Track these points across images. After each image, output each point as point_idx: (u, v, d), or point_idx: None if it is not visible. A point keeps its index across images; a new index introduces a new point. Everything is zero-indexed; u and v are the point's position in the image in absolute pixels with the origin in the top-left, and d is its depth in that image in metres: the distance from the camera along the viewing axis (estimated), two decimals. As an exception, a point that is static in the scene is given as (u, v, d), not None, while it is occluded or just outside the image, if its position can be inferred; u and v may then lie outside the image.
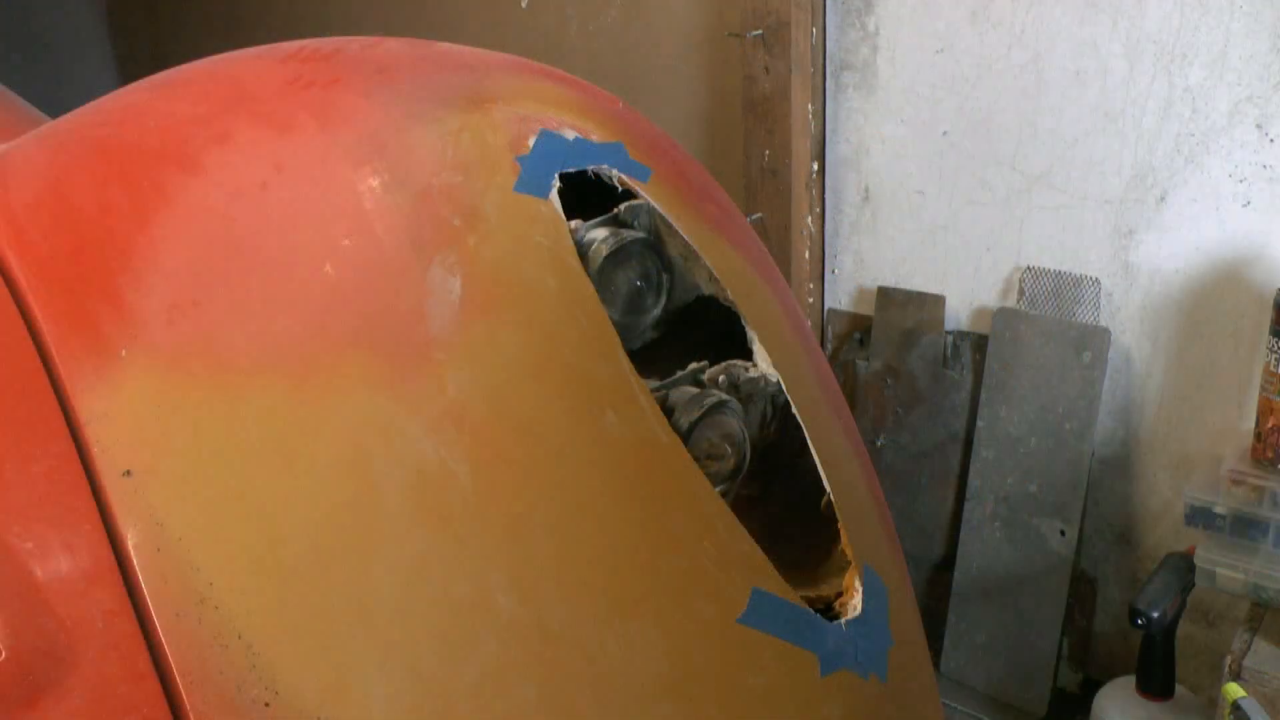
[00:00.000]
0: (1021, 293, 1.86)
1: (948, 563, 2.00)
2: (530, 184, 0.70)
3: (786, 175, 1.97)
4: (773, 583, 0.66)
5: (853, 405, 2.09)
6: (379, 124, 0.71)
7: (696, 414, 0.69)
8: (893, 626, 0.73)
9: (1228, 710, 1.26)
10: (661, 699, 0.60)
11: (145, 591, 0.58)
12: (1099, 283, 1.77)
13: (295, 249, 0.66)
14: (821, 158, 2.01)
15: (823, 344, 2.17)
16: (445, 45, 0.83)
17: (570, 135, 0.74)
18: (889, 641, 0.72)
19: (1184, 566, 1.52)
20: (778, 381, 0.74)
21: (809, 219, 2.02)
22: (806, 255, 2.05)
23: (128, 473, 0.61)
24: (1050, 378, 1.82)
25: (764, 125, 1.97)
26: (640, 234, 0.73)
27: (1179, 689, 1.60)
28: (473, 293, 0.64)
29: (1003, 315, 1.86)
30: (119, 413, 0.63)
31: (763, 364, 0.75)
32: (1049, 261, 1.82)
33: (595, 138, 0.75)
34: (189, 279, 0.67)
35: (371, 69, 0.76)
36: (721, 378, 0.73)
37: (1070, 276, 1.80)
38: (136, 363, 0.64)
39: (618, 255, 0.71)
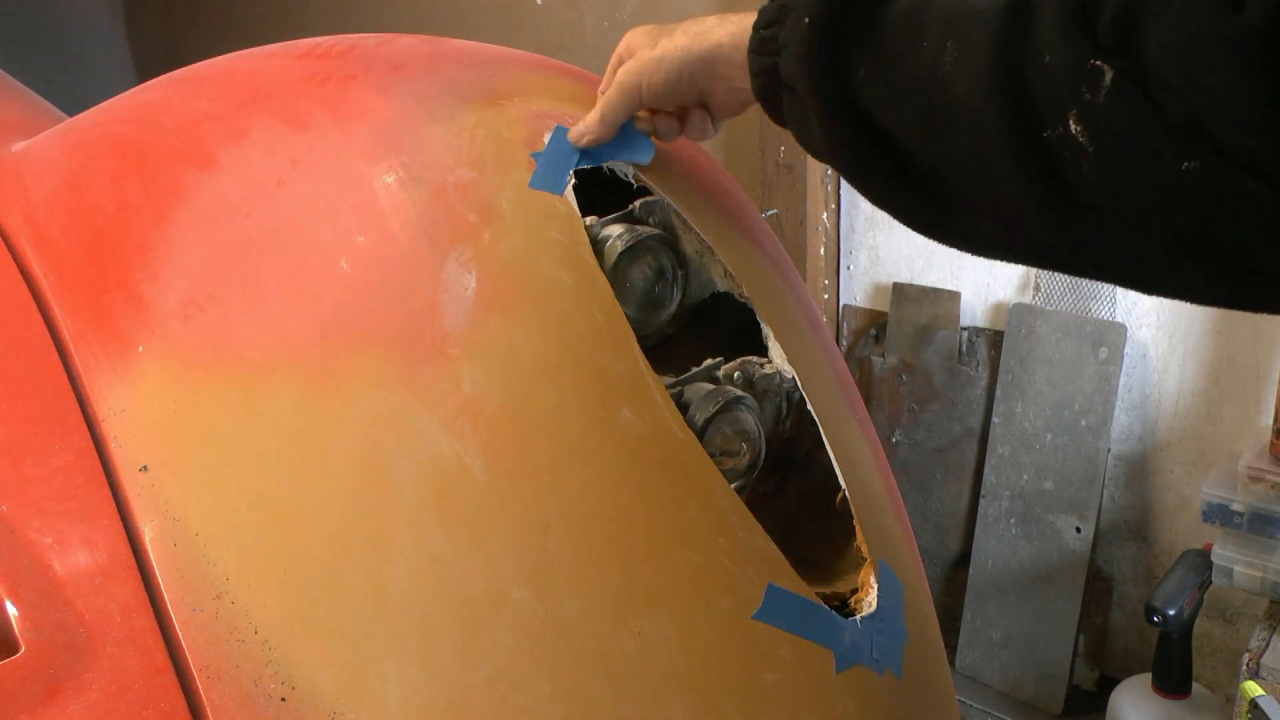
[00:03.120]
0: (1037, 288, 1.85)
1: (963, 559, 1.99)
2: (545, 180, 0.70)
3: (802, 170, 1.97)
4: (788, 579, 0.66)
5: (868, 401, 2.08)
6: (394, 120, 0.71)
7: (712, 410, 0.69)
8: (908, 623, 0.73)
9: (1245, 708, 1.26)
10: (676, 694, 0.60)
11: (162, 586, 0.58)
12: (1116, 278, 1.75)
13: (311, 245, 0.66)
14: (836, 153, 2.00)
15: (838, 340, 2.17)
16: (460, 42, 0.84)
17: (585, 131, 0.73)
18: (904, 638, 0.72)
19: (1201, 563, 1.51)
20: (793, 378, 0.74)
21: (824, 214, 2.02)
22: (822, 251, 2.04)
23: (145, 468, 0.62)
24: (1066, 373, 1.81)
25: (778, 120, 1.96)
26: (655, 230, 0.73)
27: (1196, 687, 1.59)
28: (488, 288, 0.64)
29: (1018, 311, 1.85)
30: (136, 408, 0.64)
31: (778, 360, 0.75)
32: (1065, 257, 1.81)
33: (610, 133, 0.75)
34: (205, 275, 0.67)
35: (386, 65, 0.76)
36: (737, 374, 0.73)
37: (1087, 272, 1.78)
38: (153, 358, 0.65)
39: (633, 251, 0.71)
